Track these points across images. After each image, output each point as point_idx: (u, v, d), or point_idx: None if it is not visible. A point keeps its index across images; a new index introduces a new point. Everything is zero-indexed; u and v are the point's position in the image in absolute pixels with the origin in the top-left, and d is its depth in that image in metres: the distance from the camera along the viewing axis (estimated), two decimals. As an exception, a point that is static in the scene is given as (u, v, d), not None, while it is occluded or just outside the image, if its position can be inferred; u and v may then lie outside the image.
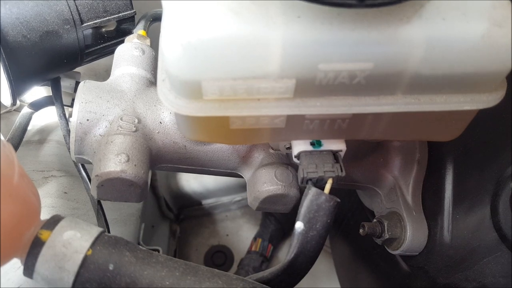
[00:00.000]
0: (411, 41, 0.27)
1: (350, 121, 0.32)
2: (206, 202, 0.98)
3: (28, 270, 0.31)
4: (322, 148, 0.35)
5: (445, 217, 0.45)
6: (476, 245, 0.41)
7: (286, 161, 0.44)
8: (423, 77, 0.28)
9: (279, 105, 0.29)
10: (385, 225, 0.46)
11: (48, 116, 0.60)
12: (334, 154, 0.35)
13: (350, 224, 0.68)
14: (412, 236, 0.46)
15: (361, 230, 0.47)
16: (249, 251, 0.91)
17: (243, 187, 0.99)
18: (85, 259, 0.30)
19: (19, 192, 0.30)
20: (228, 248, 0.95)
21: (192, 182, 0.93)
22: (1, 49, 0.39)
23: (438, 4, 0.27)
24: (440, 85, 0.29)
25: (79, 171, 0.45)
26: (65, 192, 0.53)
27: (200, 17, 0.26)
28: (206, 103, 0.29)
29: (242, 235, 0.97)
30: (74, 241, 0.31)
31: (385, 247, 0.48)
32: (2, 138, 0.28)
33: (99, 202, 0.44)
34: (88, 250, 0.31)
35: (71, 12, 0.44)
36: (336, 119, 0.32)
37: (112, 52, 0.51)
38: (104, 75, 0.67)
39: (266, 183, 0.41)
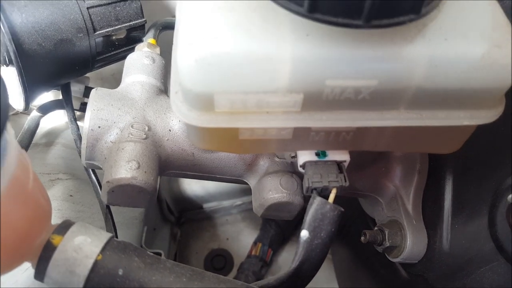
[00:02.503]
0: (414, 60, 0.28)
1: (354, 133, 0.33)
2: (207, 205, 0.99)
3: (40, 274, 0.32)
4: (326, 158, 0.36)
5: (444, 227, 0.46)
6: (474, 255, 0.43)
7: (290, 169, 0.45)
8: (425, 93, 0.30)
9: (287, 118, 0.30)
10: (386, 233, 0.47)
11: (55, 119, 0.61)
12: (338, 164, 0.37)
13: (351, 230, 0.69)
14: (412, 244, 0.47)
15: (362, 238, 0.48)
16: (249, 256, 0.92)
17: (244, 192, 1.00)
18: (95, 264, 0.31)
19: (33, 197, 0.31)
20: (228, 252, 0.96)
21: (193, 186, 0.94)
22: (17, 57, 0.40)
23: (440, 25, 0.28)
24: (441, 101, 0.31)
25: (89, 176, 0.46)
26: (71, 195, 0.54)
27: (214, 34, 0.27)
28: (217, 115, 0.30)
29: (242, 239, 0.98)
30: (84, 246, 0.32)
31: (386, 254, 0.49)
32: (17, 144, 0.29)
33: (107, 207, 0.45)
34: (98, 255, 0.32)
35: (84, 20, 0.45)
36: (341, 132, 0.33)
37: (122, 59, 0.52)
38: (110, 79, 0.68)
39: (272, 190, 0.42)
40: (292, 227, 0.95)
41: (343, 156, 0.36)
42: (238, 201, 0.99)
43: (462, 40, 0.28)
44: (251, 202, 1.05)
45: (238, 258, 0.95)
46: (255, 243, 0.94)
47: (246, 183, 0.48)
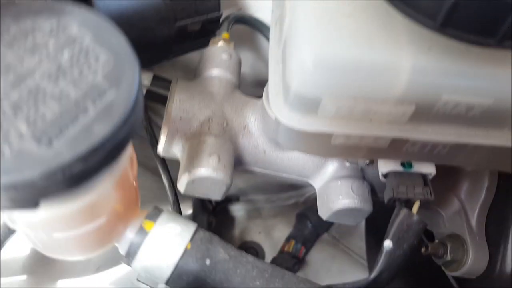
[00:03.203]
0: (533, 81, 0.27)
1: (450, 148, 0.33)
2: (243, 198, 1.00)
3: (129, 257, 0.33)
4: (412, 170, 0.36)
5: (508, 247, 0.46)
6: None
7: (360, 174, 0.45)
8: (536, 116, 0.29)
9: (391, 128, 0.30)
10: (448, 247, 0.47)
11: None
12: (423, 176, 0.36)
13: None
14: (473, 260, 0.46)
15: (423, 250, 0.48)
16: (281, 251, 0.92)
17: (280, 188, 1.00)
18: (185, 252, 0.32)
19: (132, 186, 0.31)
20: (259, 245, 0.96)
21: (234, 177, 0.95)
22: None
23: None
24: (548, 124, 0.30)
25: (159, 166, 0.46)
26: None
27: (334, 38, 0.27)
28: (319, 119, 0.30)
29: (275, 234, 0.98)
30: (175, 235, 0.33)
31: (443, 268, 0.49)
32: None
33: (176, 198, 0.46)
34: (188, 243, 0.33)
35: (167, 11, 0.45)
36: (438, 145, 0.32)
37: (194, 49, 0.53)
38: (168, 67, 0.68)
39: (343, 195, 0.42)
40: (326, 227, 0.95)
41: (429, 169, 0.36)
42: (274, 197, 0.99)
43: None
44: (286, 199, 1.04)
45: (269, 253, 0.96)
46: (287, 239, 0.94)
47: (310, 185, 0.48)
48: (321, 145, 0.34)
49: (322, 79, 0.27)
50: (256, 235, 0.97)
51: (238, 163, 0.44)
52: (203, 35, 0.51)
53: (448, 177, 0.49)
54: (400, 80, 0.27)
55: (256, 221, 0.99)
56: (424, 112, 0.29)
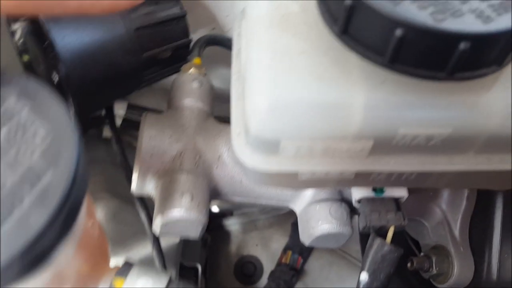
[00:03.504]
0: (491, 108, 0.27)
1: (418, 174, 0.32)
2: (237, 212, 0.99)
3: None
4: (384, 195, 0.36)
5: (493, 255, 0.45)
6: (525, 286, 0.42)
7: (338, 196, 0.44)
8: (498, 139, 0.29)
9: (352, 162, 0.30)
10: (433, 261, 0.47)
11: (95, 134, 0.61)
12: (396, 200, 0.36)
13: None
14: (459, 272, 0.46)
15: (409, 265, 0.48)
16: (279, 263, 0.92)
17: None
18: None
19: (97, 247, 0.31)
20: (257, 258, 0.96)
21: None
22: (69, 83, 0.40)
23: (519, 72, 0.27)
24: (512, 146, 0.30)
25: (137, 205, 0.46)
26: (114, 215, 0.54)
27: (287, 78, 0.27)
28: (281, 159, 0.30)
29: (272, 245, 0.98)
30: None
31: (431, 280, 0.49)
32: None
33: (157, 239, 0.45)
34: None
35: (132, 43, 0.44)
36: (404, 172, 0.32)
37: (166, 76, 0.52)
38: (147, 90, 0.68)
39: (321, 220, 0.42)
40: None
41: (401, 193, 0.36)
42: (268, 207, 0.98)
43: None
44: (279, 209, 1.04)
45: (268, 265, 0.95)
46: (284, 250, 0.93)
47: (291, 209, 0.47)
48: (289, 181, 0.33)
49: (278, 121, 0.27)
50: (253, 248, 0.96)
51: (215, 195, 0.44)
52: (174, 62, 0.51)
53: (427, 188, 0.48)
54: (355, 116, 0.27)
55: (252, 234, 0.99)
56: (384, 146, 0.28)
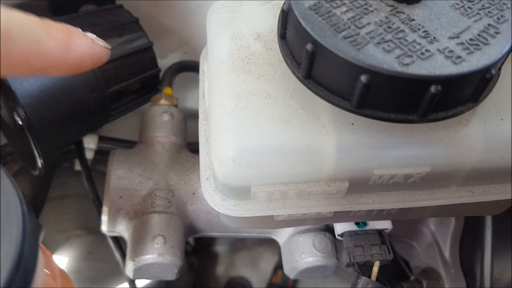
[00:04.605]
0: (470, 143, 0.25)
1: (399, 209, 0.31)
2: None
3: None
4: (367, 227, 0.34)
5: (485, 277, 0.44)
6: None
7: (322, 227, 0.43)
8: (479, 173, 0.27)
9: (329, 203, 0.28)
10: (424, 285, 0.45)
11: (68, 167, 0.59)
12: (380, 232, 0.34)
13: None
14: (451, 295, 0.45)
15: (398, 290, 0.46)
16: (270, 283, 0.90)
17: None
18: None
19: None
20: (247, 279, 0.94)
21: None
22: (30, 127, 0.38)
23: (495, 103, 0.26)
24: (494, 177, 0.28)
25: (110, 244, 0.44)
26: (90, 252, 0.52)
27: (251, 129, 0.25)
28: (253, 204, 0.28)
29: (261, 264, 0.96)
30: None
31: (423, 304, 0.47)
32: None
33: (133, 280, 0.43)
34: None
35: (97, 79, 0.42)
36: (385, 209, 0.31)
37: (137, 107, 0.50)
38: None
39: (305, 253, 0.40)
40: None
41: (385, 224, 0.34)
42: (255, 226, 0.96)
43: (520, 117, 0.26)
44: (268, 226, 1.01)
45: (258, 285, 0.93)
46: (275, 270, 0.91)
47: (274, 240, 0.45)
48: (266, 222, 0.31)
49: (245, 169, 0.25)
50: (243, 268, 0.94)
51: (191, 233, 0.42)
52: (144, 93, 0.49)
53: (414, 211, 0.47)
54: (327, 160, 0.25)
55: (241, 253, 0.96)
56: (360, 186, 0.27)
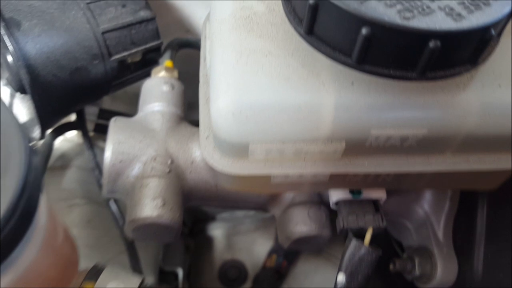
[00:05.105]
0: (467, 107, 0.26)
1: (395, 176, 0.31)
2: (220, 216, 0.98)
3: None
4: (362, 197, 0.35)
5: (476, 255, 0.45)
6: (507, 286, 0.41)
7: (317, 199, 0.43)
8: (475, 139, 0.28)
9: (325, 164, 0.29)
10: (416, 262, 0.46)
11: (69, 139, 0.59)
12: (374, 202, 0.35)
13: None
14: (442, 273, 0.45)
15: (391, 266, 0.47)
16: (264, 267, 0.91)
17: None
18: None
19: (62, 250, 0.30)
20: (241, 263, 0.95)
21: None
22: (33, 90, 0.38)
23: (493, 69, 0.26)
24: (490, 146, 0.29)
25: (110, 208, 0.44)
26: (89, 221, 0.52)
27: (251, 84, 0.25)
28: (251, 162, 0.29)
29: (256, 249, 0.97)
30: None
31: (414, 282, 0.48)
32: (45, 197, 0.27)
33: (132, 243, 0.44)
34: None
35: (99, 47, 0.43)
36: (381, 174, 0.31)
37: (138, 80, 0.50)
38: (122, 95, 0.66)
39: (299, 223, 0.40)
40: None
41: (379, 194, 0.35)
42: (251, 211, 0.97)
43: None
44: (264, 212, 1.02)
45: (252, 269, 0.94)
46: (269, 254, 0.92)
47: (268, 211, 0.46)
48: (262, 184, 0.32)
49: (244, 125, 0.26)
50: (237, 253, 0.95)
51: (188, 200, 0.42)
52: (145, 66, 0.49)
53: (409, 190, 0.47)
54: (325, 118, 0.26)
55: (236, 238, 0.97)
56: (357, 147, 0.27)
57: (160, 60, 0.49)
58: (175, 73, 0.47)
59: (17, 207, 0.19)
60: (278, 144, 0.27)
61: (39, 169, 0.22)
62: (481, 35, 0.22)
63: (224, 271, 0.92)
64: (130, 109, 0.57)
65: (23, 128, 0.21)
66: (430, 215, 0.47)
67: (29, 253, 0.25)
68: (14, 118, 0.21)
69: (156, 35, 0.47)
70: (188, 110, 0.47)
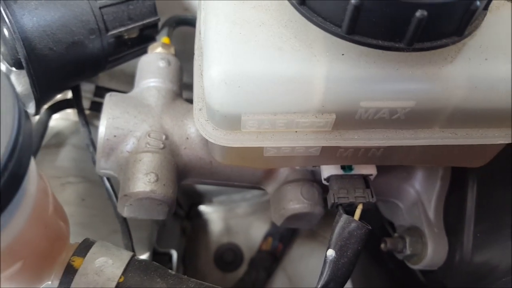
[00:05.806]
0: (454, 80, 0.26)
1: (384, 150, 0.32)
2: (217, 199, 0.98)
3: None
4: (353, 172, 0.35)
5: (466, 235, 0.45)
6: (496, 265, 0.42)
7: (311, 177, 0.44)
8: (463, 113, 0.28)
9: (316, 137, 0.29)
10: (407, 241, 0.46)
11: (65, 118, 0.60)
12: (365, 178, 0.35)
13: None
14: (432, 253, 0.46)
15: (382, 245, 0.47)
16: (259, 250, 0.92)
17: (253, 185, 0.99)
18: (117, 286, 0.31)
19: (52, 221, 0.30)
20: (237, 246, 0.96)
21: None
22: (28, 63, 0.38)
23: (480, 43, 0.27)
24: (477, 120, 0.29)
25: (104, 184, 0.45)
26: (83, 199, 0.53)
27: (244, 54, 0.26)
28: (243, 134, 0.29)
29: (252, 232, 0.98)
30: (106, 268, 0.31)
31: (405, 261, 0.49)
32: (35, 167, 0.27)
33: (124, 220, 0.44)
34: (120, 277, 0.31)
35: (96, 21, 0.43)
36: (371, 148, 0.31)
37: (134, 57, 0.51)
38: (119, 74, 0.66)
39: (292, 200, 0.41)
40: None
41: (370, 170, 0.35)
42: (248, 194, 0.98)
43: (503, 60, 0.27)
44: (260, 195, 1.03)
45: (248, 252, 0.95)
46: (265, 237, 0.93)
47: (263, 189, 0.47)
48: (255, 158, 0.32)
49: (236, 95, 0.26)
50: (234, 236, 0.96)
51: (183, 177, 0.42)
52: (142, 42, 0.49)
53: (402, 169, 0.48)
54: (317, 90, 0.26)
55: (233, 221, 0.98)
56: (347, 120, 0.28)
57: (157, 37, 0.50)
58: (172, 49, 0.48)
59: (6, 169, 0.19)
60: (270, 115, 0.27)
61: (31, 133, 0.22)
62: (467, 6, 0.22)
63: (220, 254, 0.93)
64: (127, 88, 0.57)
65: (17, 94, 0.21)
66: (421, 194, 0.48)
67: (18, 220, 0.25)
68: (7, 79, 0.21)
69: (154, 11, 0.47)
70: (184, 91, 0.47)
